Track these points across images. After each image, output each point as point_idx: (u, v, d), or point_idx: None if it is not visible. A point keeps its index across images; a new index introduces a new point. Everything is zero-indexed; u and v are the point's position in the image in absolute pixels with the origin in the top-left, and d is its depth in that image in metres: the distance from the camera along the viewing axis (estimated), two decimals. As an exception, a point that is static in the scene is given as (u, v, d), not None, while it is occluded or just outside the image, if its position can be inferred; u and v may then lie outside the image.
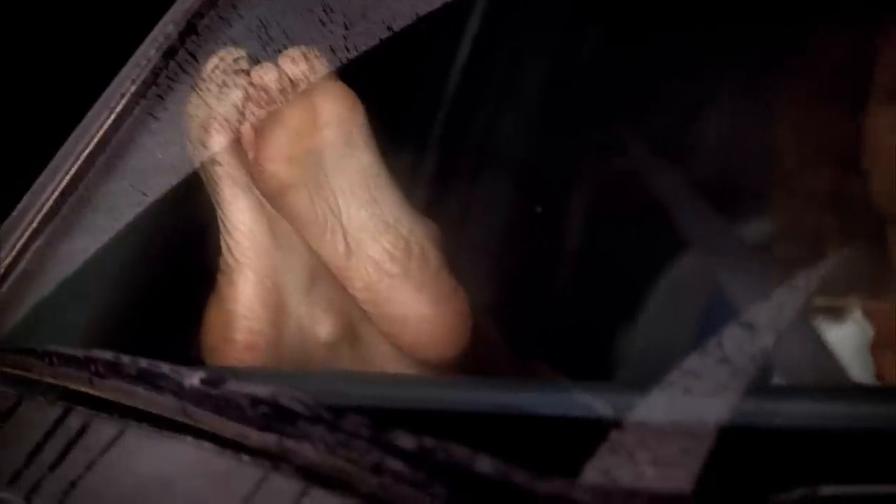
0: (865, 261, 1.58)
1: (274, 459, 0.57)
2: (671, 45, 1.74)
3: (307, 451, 0.56)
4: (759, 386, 0.56)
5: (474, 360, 0.85)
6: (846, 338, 1.54)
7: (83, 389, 0.68)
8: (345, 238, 0.83)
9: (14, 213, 0.84)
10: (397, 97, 1.27)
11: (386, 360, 0.84)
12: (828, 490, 0.53)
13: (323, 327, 0.87)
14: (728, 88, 1.75)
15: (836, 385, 1.37)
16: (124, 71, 0.85)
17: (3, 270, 0.82)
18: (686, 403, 0.56)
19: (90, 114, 0.85)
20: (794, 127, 1.61)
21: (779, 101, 1.60)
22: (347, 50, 0.81)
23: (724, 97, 1.75)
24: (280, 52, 0.80)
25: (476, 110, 1.53)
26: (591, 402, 0.59)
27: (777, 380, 1.44)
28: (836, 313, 1.57)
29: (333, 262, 0.84)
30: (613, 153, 1.65)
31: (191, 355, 0.82)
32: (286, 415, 0.58)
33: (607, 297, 1.79)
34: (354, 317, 0.86)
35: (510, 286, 1.44)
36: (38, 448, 0.65)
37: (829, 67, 1.60)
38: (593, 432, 0.55)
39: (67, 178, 0.83)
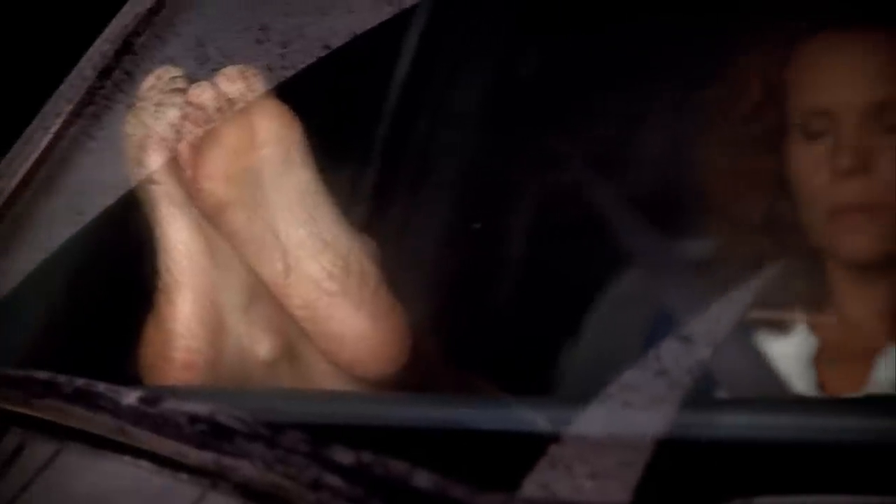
0: (806, 275, 1.59)
1: (212, 477, 0.57)
2: (610, 60, 1.75)
3: (245, 469, 0.56)
4: (697, 398, 0.56)
5: (413, 376, 0.86)
6: (791, 349, 1.55)
7: (19, 410, 0.67)
8: (283, 256, 0.83)
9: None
10: (335, 114, 1.27)
11: (325, 378, 0.84)
12: (763, 501, 0.53)
13: (262, 345, 0.86)
14: (668, 104, 1.76)
15: (773, 397, 1.38)
16: (60, 90, 0.84)
17: (-61, 289, 0.82)
18: (624, 416, 0.57)
19: (26, 133, 0.85)
20: (720, 160, 1.62)
21: (703, 137, 1.61)
22: (284, 68, 0.81)
23: (663, 112, 1.76)
24: (217, 70, 0.80)
25: (415, 126, 1.53)
26: (530, 416, 0.60)
27: (719, 392, 1.45)
28: (782, 326, 1.58)
29: (272, 280, 0.84)
30: (553, 167, 1.65)
31: (130, 374, 0.81)
32: (224, 432, 0.58)
33: (549, 311, 1.80)
34: (293, 335, 0.86)
35: (450, 301, 1.44)
36: (-27, 469, 0.65)
37: (749, 102, 1.61)
38: (532, 446, 0.55)
39: (4, 197, 0.83)
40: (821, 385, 1.53)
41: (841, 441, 0.55)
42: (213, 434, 0.58)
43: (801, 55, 1.49)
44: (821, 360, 1.53)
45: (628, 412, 0.57)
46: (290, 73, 0.81)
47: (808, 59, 1.49)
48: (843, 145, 1.43)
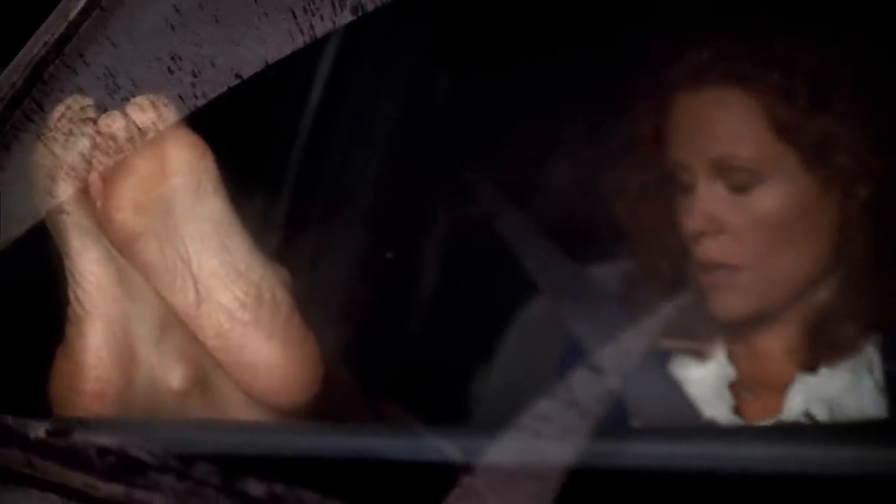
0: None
1: (121, 511, 0.57)
2: (520, 90, 1.76)
3: (156, 501, 0.56)
4: (607, 428, 0.57)
5: (326, 405, 0.85)
6: (709, 377, 1.56)
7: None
8: (195, 286, 0.83)
9: None
10: (248, 144, 1.27)
11: (238, 408, 0.83)
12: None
13: (174, 375, 0.86)
14: (578, 135, 1.77)
15: (683, 426, 1.39)
16: (-31, 120, 0.84)
17: None
18: (536, 447, 0.57)
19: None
20: (628, 191, 1.63)
21: (612, 169, 1.62)
22: (196, 98, 0.80)
23: (574, 142, 1.77)
24: (128, 100, 0.80)
25: (327, 155, 1.53)
26: (442, 446, 0.60)
27: (632, 420, 1.45)
28: (701, 354, 1.59)
29: (184, 310, 0.83)
30: (464, 196, 1.66)
31: (40, 407, 0.80)
32: (134, 465, 0.58)
33: (462, 339, 1.80)
34: (206, 364, 0.86)
35: (363, 329, 1.44)
36: None
37: (639, 165, 1.62)
38: (445, 476, 0.55)
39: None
40: (737, 412, 1.54)
41: (749, 468, 0.56)
42: (123, 467, 0.58)
43: (670, 111, 1.50)
44: (738, 388, 1.55)
45: (540, 442, 0.57)
46: (201, 102, 0.81)
47: (672, 116, 1.50)
48: (692, 206, 1.44)
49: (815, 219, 1.47)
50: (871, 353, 1.47)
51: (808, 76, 1.45)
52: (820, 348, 1.48)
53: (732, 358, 1.56)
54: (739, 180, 1.43)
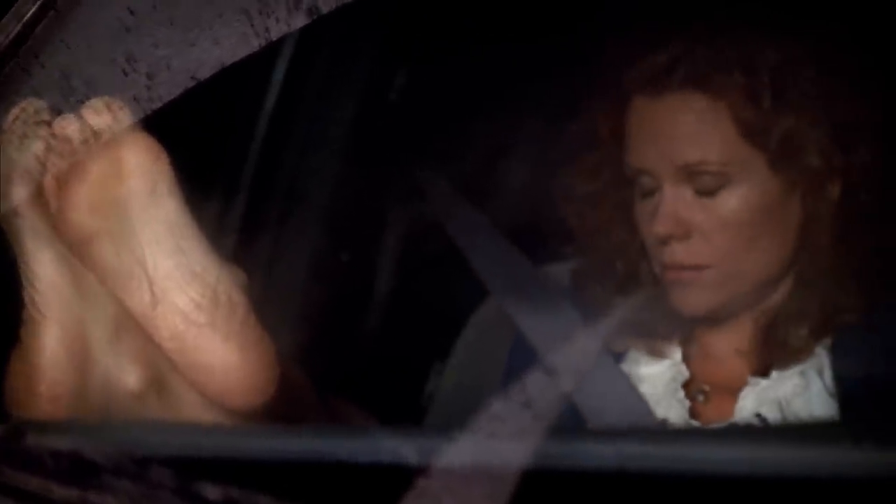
0: (673, 307, 1.61)
1: (76, 514, 0.57)
2: (477, 89, 1.76)
3: (111, 504, 0.56)
4: (561, 429, 0.57)
5: (282, 406, 0.86)
6: (662, 375, 1.56)
7: None
8: (150, 288, 0.83)
9: None
10: (203, 146, 1.27)
11: (194, 409, 0.83)
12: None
13: (130, 377, 0.86)
14: (533, 134, 1.77)
15: (637, 427, 1.39)
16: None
17: None
18: (490, 448, 0.57)
19: None
20: (582, 192, 1.64)
21: (567, 168, 1.63)
22: (151, 100, 0.80)
23: (528, 142, 1.78)
24: (83, 102, 0.79)
25: (283, 157, 1.53)
26: (398, 448, 0.60)
27: (586, 420, 1.46)
28: (656, 354, 1.59)
29: (139, 312, 0.83)
30: (418, 197, 1.66)
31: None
32: (89, 468, 0.58)
33: (416, 340, 1.80)
34: (162, 366, 0.86)
35: (319, 330, 1.44)
36: None
37: (591, 171, 1.63)
38: (400, 478, 0.55)
39: None
40: (692, 414, 1.54)
41: (702, 469, 0.56)
42: (78, 469, 0.58)
43: (628, 115, 1.51)
44: (691, 390, 1.55)
45: (494, 443, 0.57)
46: (156, 104, 0.81)
47: (631, 120, 1.51)
48: (660, 211, 1.44)
49: (779, 218, 1.48)
50: (821, 357, 1.48)
51: (770, 76, 1.45)
52: (772, 350, 1.49)
53: (686, 359, 1.57)
54: (707, 184, 1.44)
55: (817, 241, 1.50)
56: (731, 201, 1.45)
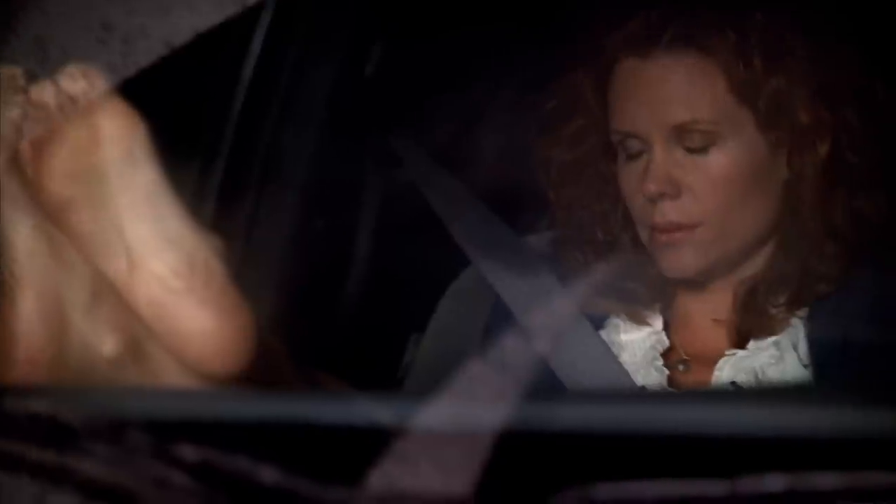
0: (653, 274, 1.62)
1: (53, 476, 0.57)
2: (454, 58, 1.76)
3: (87, 467, 0.56)
4: (539, 391, 0.58)
5: (259, 374, 0.86)
6: (642, 342, 1.57)
7: None
8: (128, 255, 0.83)
9: None
10: (181, 113, 1.27)
11: (171, 375, 0.83)
12: (603, 487, 0.54)
13: (107, 343, 0.86)
14: (511, 98, 1.78)
15: (613, 389, 1.40)
16: None
17: None
18: (468, 410, 0.57)
19: None
20: (561, 193, 1.64)
21: (539, 169, 1.63)
22: (127, 67, 0.80)
23: (506, 112, 1.78)
24: (58, 69, 0.79)
25: (261, 124, 1.53)
26: (375, 410, 0.60)
27: (563, 383, 1.47)
28: (638, 320, 1.60)
29: (117, 278, 0.83)
30: (397, 164, 1.66)
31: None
32: (66, 431, 0.58)
33: (394, 308, 1.80)
34: (139, 333, 0.86)
35: (298, 297, 1.44)
36: None
37: (572, 136, 1.64)
38: (377, 441, 0.56)
39: None
40: (671, 383, 1.55)
41: (678, 431, 0.57)
42: (55, 433, 0.58)
43: (613, 79, 1.51)
44: (671, 359, 1.56)
45: (471, 405, 0.57)
46: (132, 71, 0.81)
47: (617, 87, 1.51)
48: (650, 170, 1.45)
49: (766, 177, 1.49)
50: (797, 327, 1.50)
51: (760, 36, 1.46)
52: (750, 320, 1.51)
53: (667, 328, 1.58)
54: (698, 142, 1.45)
55: (801, 201, 1.52)
56: (721, 159, 1.47)
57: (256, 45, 1.49)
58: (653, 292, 1.62)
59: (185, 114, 1.37)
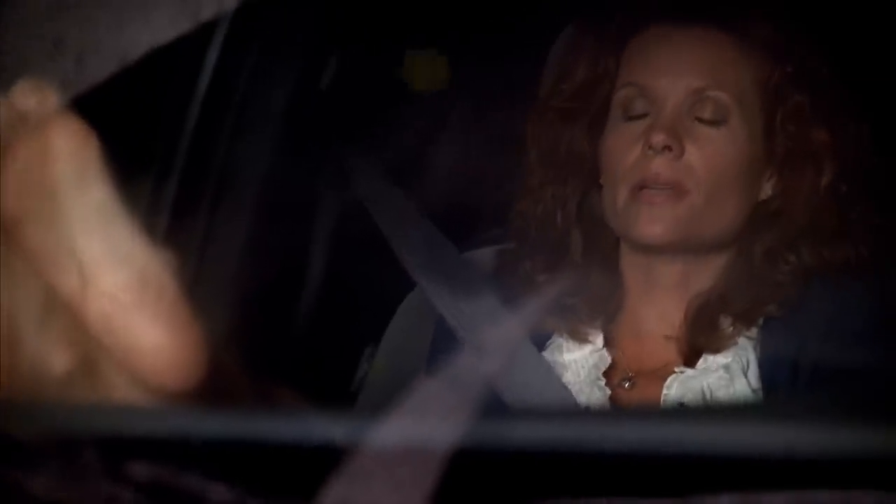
0: (601, 287, 1.63)
1: (3, 493, 0.57)
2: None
3: (38, 484, 0.56)
4: (489, 409, 0.58)
5: (213, 389, 0.86)
6: (585, 363, 1.58)
7: None
8: (79, 270, 0.82)
9: None
10: (134, 128, 1.26)
11: (124, 392, 0.83)
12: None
13: (59, 359, 0.85)
14: (466, 111, 1.78)
15: (562, 408, 1.40)
16: None
17: None
18: (419, 428, 0.58)
19: None
20: (540, 143, 1.65)
21: (527, 119, 1.64)
22: (80, 82, 0.80)
23: (459, 127, 1.78)
24: (13, 82, 0.79)
25: (215, 141, 1.52)
26: (327, 428, 0.60)
27: (506, 403, 1.47)
28: (579, 338, 1.60)
29: (68, 294, 0.83)
30: (350, 181, 1.66)
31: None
32: (17, 448, 0.58)
33: (348, 324, 1.80)
34: (91, 349, 0.85)
35: (251, 314, 1.44)
36: None
37: (572, 87, 1.64)
38: (329, 459, 0.56)
39: None
40: (614, 402, 1.55)
41: (627, 450, 0.57)
42: (5, 449, 0.58)
43: (635, 42, 1.53)
44: (614, 376, 1.56)
45: (423, 424, 0.58)
46: (86, 86, 0.80)
47: (639, 46, 1.53)
48: (660, 122, 1.47)
49: (754, 179, 1.51)
50: (747, 350, 1.50)
51: (800, 46, 1.49)
52: (700, 334, 1.51)
53: (611, 345, 1.58)
54: (710, 114, 1.48)
55: (772, 217, 1.53)
56: (728, 137, 1.49)
57: (211, 59, 1.48)
58: (594, 307, 1.62)
59: (138, 129, 1.36)
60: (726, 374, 1.50)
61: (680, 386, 1.51)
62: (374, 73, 1.76)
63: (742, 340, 1.55)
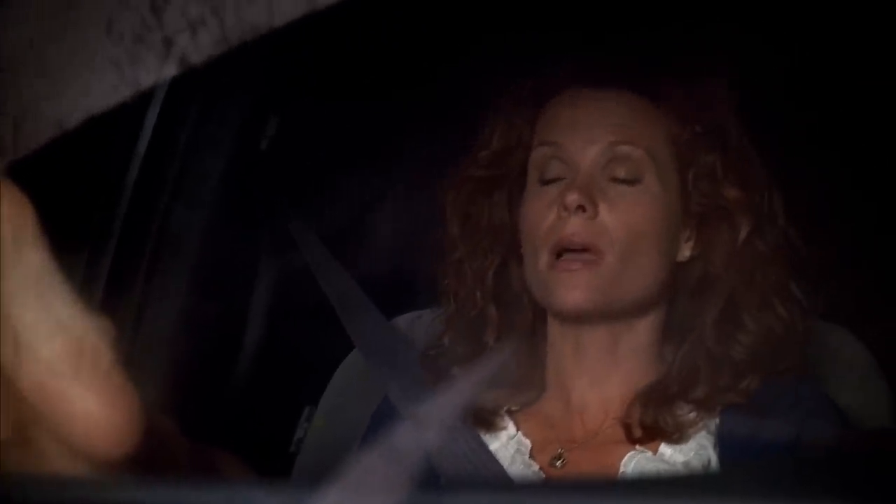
0: (518, 368, 1.62)
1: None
2: (349, 138, 1.77)
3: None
4: (426, 483, 0.58)
5: (150, 456, 0.85)
6: (506, 451, 1.56)
7: None
8: (14, 339, 0.82)
9: None
10: (71, 195, 1.26)
11: (59, 461, 0.82)
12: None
13: (-7, 429, 0.85)
14: (403, 180, 1.78)
15: (509, 480, 1.40)
16: None
17: None
18: (356, 499, 0.57)
19: None
20: (459, 215, 1.65)
21: (446, 190, 1.64)
22: (17, 148, 0.80)
23: (398, 190, 1.78)
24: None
25: (153, 205, 1.52)
26: (265, 499, 0.60)
27: (441, 479, 1.46)
28: (491, 428, 1.59)
29: (2, 362, 0.82)
30: (289, 247, 1.66)
31: None
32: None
33: (287, 388, 1.79)
34: (26, 417, 0.85)
35: (189, 381, 1.43)
36: None
37: (488, 155, 1.65)
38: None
39: None
40: (545, 474, 1.54)
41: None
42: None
43: (549, 106, 1.54)
44: (537, 454, 1.55)
45: (359, 496, 0.57)
46: (22, 153, 0.80)
47: (553, 109, 1.54)
48: (575, 183, 1.48)
49: (668, 240, 1.51)
50: (707, 449, 1.48)
51: (705, 108, 1.50)
52: (651, 427, 1.50)
53: (521, 427, 1.56)
54: (626, 173, 1.48)
55: (698, 282, 1.53)
56: (644, 195, 1.50)
57: (149, 124, 1.48)
58: (508, 395, 1.61)
59: (76, 194, 1.36)
60: (686, 469, 1.48)
61: (637, 465, 1.50)
62: (314, 134, 1.76)
63: (702, 438, 1.54)
